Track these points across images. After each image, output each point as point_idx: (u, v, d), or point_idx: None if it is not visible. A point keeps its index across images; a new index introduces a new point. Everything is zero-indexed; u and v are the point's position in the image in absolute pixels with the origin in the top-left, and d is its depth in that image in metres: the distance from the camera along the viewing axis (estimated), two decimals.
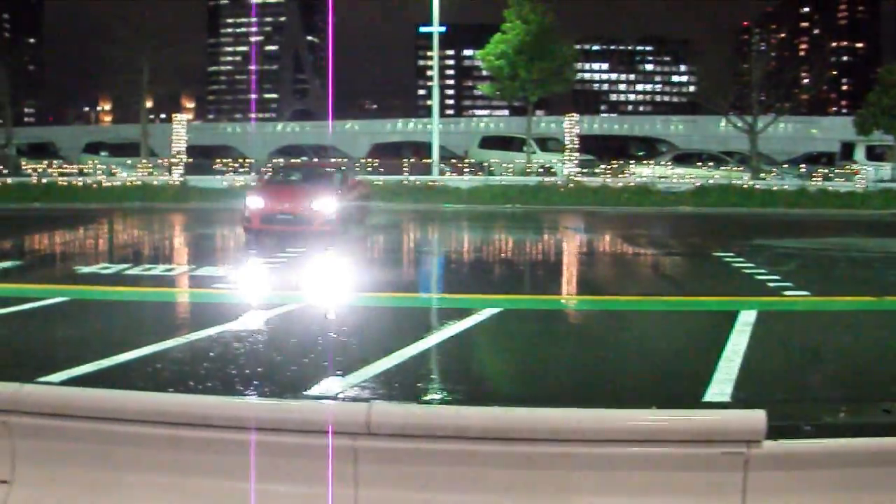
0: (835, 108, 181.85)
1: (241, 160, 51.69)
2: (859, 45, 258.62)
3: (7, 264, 22.60)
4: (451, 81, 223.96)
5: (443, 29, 50.66)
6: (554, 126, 52.94)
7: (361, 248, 25.69)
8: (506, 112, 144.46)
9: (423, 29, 66.36)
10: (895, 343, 14.16)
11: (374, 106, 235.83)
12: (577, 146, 47.67)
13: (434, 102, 51.02)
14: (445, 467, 5.96)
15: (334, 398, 9.61)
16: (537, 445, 5.87)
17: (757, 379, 11.17)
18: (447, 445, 5.91)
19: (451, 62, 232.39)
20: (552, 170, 47.37)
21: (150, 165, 52.13)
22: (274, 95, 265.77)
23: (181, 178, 48.70)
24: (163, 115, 64.70)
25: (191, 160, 50.98)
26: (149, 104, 59.71)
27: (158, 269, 21.06)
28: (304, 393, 9.99)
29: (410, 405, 7.30)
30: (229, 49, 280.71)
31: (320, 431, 6.02)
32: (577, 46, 59.10)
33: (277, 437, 6.14)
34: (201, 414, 6.37)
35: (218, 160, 51.57)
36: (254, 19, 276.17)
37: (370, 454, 6.00)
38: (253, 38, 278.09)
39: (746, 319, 14.21)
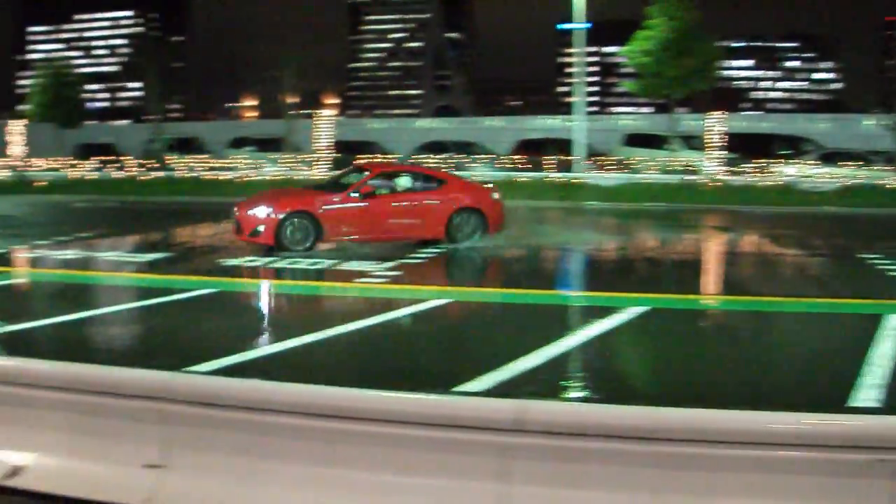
0: None
1: (385, 156, 52.03)
2: None
3: (156, 256, 23.14)
4: (593, 78, 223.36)
5: (584, 26, 50.48)
6: (697, 124, 52.40)
7: (505, 245, 25.70)
8: (648, 109, 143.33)
9: (561, 26, 66.10)
10: None
11: (518, 103, 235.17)
12: (720, 144, 47.27)
13: (578, 100, 50.91)
14: (595, 465, 5.96)
15: (486, 394, 9.58)
16: (685, 446, 5.86)
17: None
18: (597, 444, 5.92)
19: (593, 59, 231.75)
20: (695, 168, 46.96)
21: (295, 160, 52.69)
22: (416, 92, 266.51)
23: (325, 174, 49.21)
24: (306, 111, 65.22)
25: (339, 155, 51.53)
26: (292, 100, 60.37)
27: (304, 263, 21.30)
28: (453, 389, 10.04)
29: (562, 403, 7.32)
30: (371, 45, 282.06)
31: (471, 427, 6.11)
32: (721, 43, 58.56)
33: (427, 431, 6.22)
34: (350, 406, 6.49)
35: (361, 155, 51.95)
36: (396, 16, 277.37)
37: (521, 451, 6.04)
38: (395, 35, 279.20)
39: (892, 324, 13.98)
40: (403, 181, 24.89)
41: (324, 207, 23.31)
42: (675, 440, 5.87)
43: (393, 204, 23.87)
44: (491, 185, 27.15)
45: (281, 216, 22.86)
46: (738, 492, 5.84)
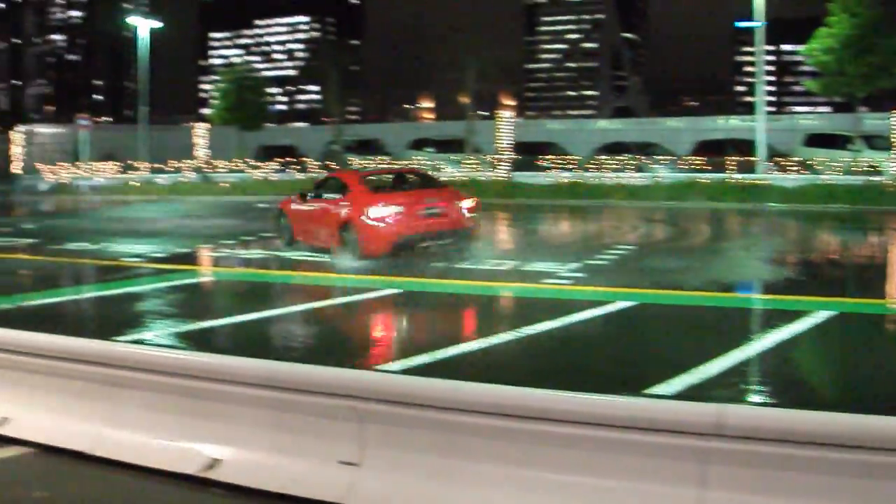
0: None
1: (564, 157, 51.90)
2: None
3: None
4: (771, 77, 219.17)
5: (760, 24, 49.77)
6: (881, 123, 51.12)
7: (689, 248, 25.54)
8: (827, 109, 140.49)
9: (739, 24, 65.17)
10: None
11: (694, 103, 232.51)
12: None
13: (758, 99, 50.26)
14: (797, 473, 5.89)
15: (682, 398, 9.49)
16: (893, 455, 5.71)
17: None
18: (800, 451, 5.84)
19: (770, 58, 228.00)
20: (879, 169, 45.94)
21: (476, 161, 52.85)
22: (592, 93, 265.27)
23: (507, 175, 49.33)
24: (483, 113, 65.29)
25: (518, 157, 51.59)
26: (470, 101, 60.59)
27: (489, 264, 21.47)
28: (644, 392, 10.08)
29: (763, 408, 7.24)
30: (547, 46, 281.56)
31: (669, 431, 6.10)
32: None
33: (624, 434, 6.22)
34: (548, 408, 6.51)
35: (542, 157, 51.88)
36: (571, 17, 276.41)
37: (720, 456, 6.00)
38: (571, 36, 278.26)
39: None
40: (329, 185, 25.20)
41: (291, 206, 25.13)
42: (884, 449, 5.71)
43: (313, 209, 24.13)
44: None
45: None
46: None
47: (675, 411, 6.35)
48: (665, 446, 6.13)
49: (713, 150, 50.23)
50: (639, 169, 48.85)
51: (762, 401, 10.11)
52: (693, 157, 49.12)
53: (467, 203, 23.09)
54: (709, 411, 6.12)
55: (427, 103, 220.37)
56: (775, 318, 14.77)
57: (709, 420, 6.03)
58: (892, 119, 47.50)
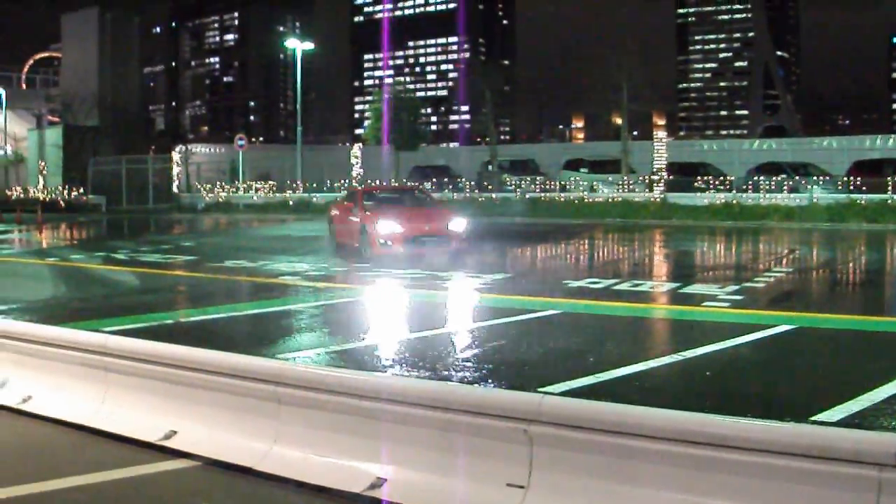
0: None
1: (720, 177, 51.51)
2: None
3: (499, 276, 23.62)
4: None
5: None
6: None
7: (849, 270, 25.13)
8: None
9: None
10: None
11: (848, 122, 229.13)
12: None
13: None
14: None
15: (851, 426, 9.18)
16: None
17: None
18: None
19: None
20: None
21: (631, 182, 52.76)
22: (743, 112, 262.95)
23: (662, 195, 49.16)
24: (635, 132, 65.22)
25: (671, 177, 51.42)
26: (622, 121, 60.54)
27: (647, 286, 21.35)
28: (810, 419, 9.86)
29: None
30: (698, 66, 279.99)
31: (847, 460, 5.92)
32: None
33: (797, 462, 6.05)
34: (713, 433, 6.38)
35: (697, 177, 51.57)
36: (722, 35, 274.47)
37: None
38: (722, 55, 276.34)
39: None
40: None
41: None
42: None
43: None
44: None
45: None
46: None
47: (852, 440, 6.11)
48: (842, 476, 5.94)
49: (870, 170, 49.33)
50: (794, 189, 48.23)
51: None
52: (850, 178, 48.31)
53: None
54: (886, 440, 5.93)
55: (578, 123, 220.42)
56: None
57: (886, 449, 5.81)
58: None
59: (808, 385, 12.15)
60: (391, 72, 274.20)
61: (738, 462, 6.26)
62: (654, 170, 52.40)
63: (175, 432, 9.00)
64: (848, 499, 5.92)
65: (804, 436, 6.25)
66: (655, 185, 51.01)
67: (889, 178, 45.53)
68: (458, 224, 27.89)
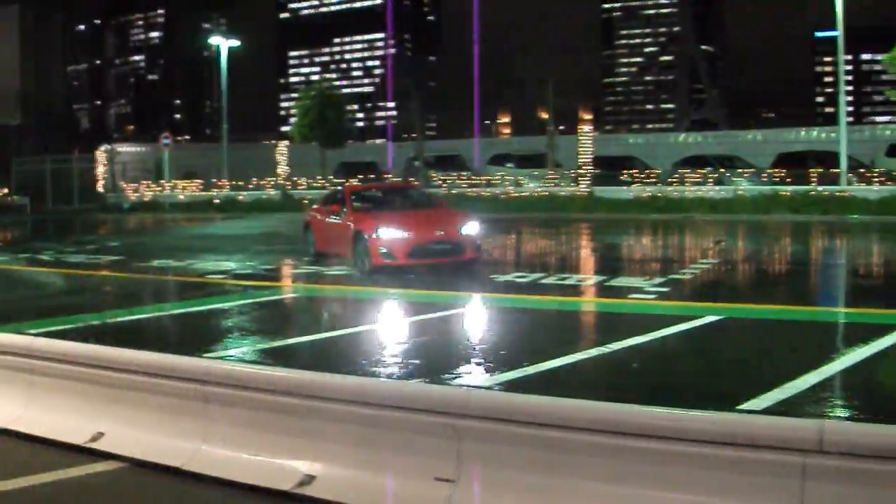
0: None
1: (645, 171, 51.94)
2: None
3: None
4: (851, 87, 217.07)
5: (839, 33, 49.32)
6: None
7: (774, 261, 25.38)
8: None
9: (820, 34, 64.82)
10: None
11: (773, 115, 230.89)
12: None
13: (839, 110, 49.84)
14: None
15: (780, 414, 9.25)
16: None
17: None
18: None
19: (849, 67, 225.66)
20: None
21: (557, 176, 52.95)
22: (670, 105, 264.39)
23: (588, 189, 49.37)
24: (562, 127, 65.45)
25: (598, 171, 51.69)
26: (549, 116, 60.76)
27: (573, 279, 21.44)
28: (736, 408, 9.95)
29: (866, 424, 7.17)
30: (625, 60, 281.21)
31: (769, 447, 6.00)
32: None
33: (722, 450, 6.12)
34: (638, 423, 6.46)
35: (622, 171, 51.93)
36: (648, 30, 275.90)
37: (821, 473, 5.89)
38: (648, 49, 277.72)
39: None
40: None
41: None
42: None
43: None
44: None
45: None
46: None
47: (776, 427, 6.23)
48: (764, 462, 6.03)
49: (794, 163, 49.91)
50: (719, 182, 48.73)
51: (859, 416, 9.97)
52: (774, 170, 48.85)
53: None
54: (811, 427, 6.01)
55: (504, 118, 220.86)
56: (866, 331, 14.54)
57: (811, 436, 5.91)
58: None
59: (734, 374, 12.25)
60: (318, 68, 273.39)
61: (665, 452, 6.33)
62: (580, 164, 52.61)
63: (102, 434, 8.92)
64: (773, 485, 6.01)
65: (729, 424, 6.32)
66: (581, 179, 51.23)
67: (812, 170, 46.07)
68: (472, 227, 23.41)
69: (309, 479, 7.61)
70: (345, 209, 24.89)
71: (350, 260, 23.66)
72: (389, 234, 22.59)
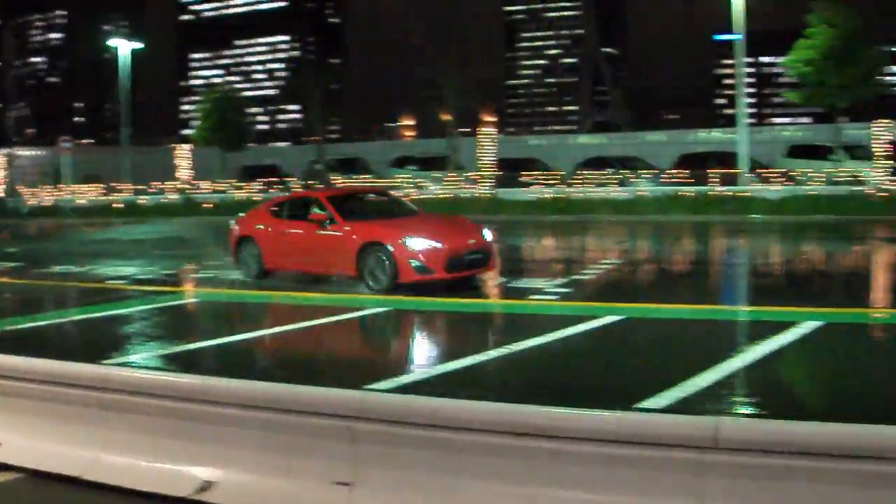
0: None
1: (546, 172, 52.24)
2: None
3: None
4: (751, 89, 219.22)
5: (740, 36, 49.93)
6: (861, 133, 51.36)
7: (674, 261, 25.60)
8: (807, 120, 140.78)
9: (718, 37, 65.57)
10: None
11: (675, 116, 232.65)
12: (887, 153, 46.44)
13: (739, 111, 50.42)
14: (794, 483, 5.90)
15: (675, 411, 9.44)
16: (891, 465, 5.73)
17: None
18: (796, 461, 5.85)
19: (751, 70, 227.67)
20: (862, 178, 46.10)
21: (459, 178, 53.05)
22: (573, 108, 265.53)
23: (491, 191, 49.50)
24: (465, 129, 65.61)
25: (500, 172, 51.87)
26: (451, 118, 60.87)
27: (475, 280, 21.44)
28: (635, 406, 10.04)
29: (760, 420, 7.23)
30: (528, 62, 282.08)
31: (667, 445, 6.12)
32: (884, 49, 57.41)
33: (622, 449, 6.23)
34: (536, 423, 6.53)
35: (524, 172, 52.19)
36: (551, 32, 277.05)
37: (717, 468, 6.01)
38: (551, 52, 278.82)
39: None
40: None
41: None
42: (882, 458, 5.73)
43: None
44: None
45: None
46: None
47: (673, 425, 6.36)
48: (663, 460, 6.13)
49: (695, 164, 50.46)
50: (622, 183, 49.15)
51: (761, 412, 10.10)
52: (675, 171, 49.41)
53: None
54: (706, 424, 6.13)
55: (409, 121, 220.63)
56: (765, 329, 14.72)
57: (707, 433, 6.03)
58: (872, 129, 47.81)
59: (634, 373, 12.37)
60: (220, 71, 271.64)
61: (562, 451, 6.40)
62: (479, 166, 52.76)
63: None
64: (671, 481, 6.11)
65: (626, 423, 6.44)
66: (483, 181, 51.37)
67: (713, 171, 46.62)
68: (489, 234, 21.33)
69: (208, 485, 7.61)
70: (331, 218, 20.88)
71: (336, 276, 20.91)
72: (421, 245, 19.45)
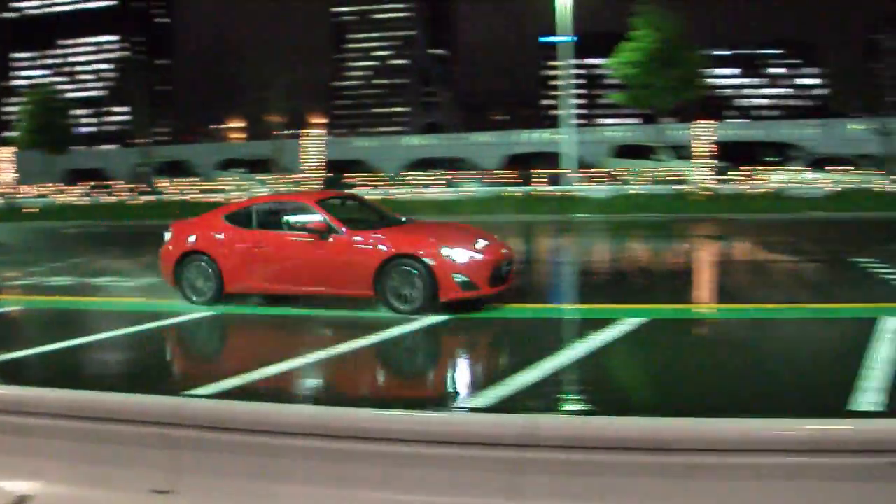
0: None
1: (373, 174, 52.49)
2: None
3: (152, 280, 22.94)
4: (580, 91, 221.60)
5: (566, 39, 50.68)
6: (685, 133, 52.73)
7: None
8: (635, 120, 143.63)
9: (544, 39, 66.30)
10: None
11: (505, 117, 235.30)
12: (709, 153, 47.56)
13: (564, 112, 51.10)
14: (607, 478, 5.99)
15: (498, 411, 9.47)
16: (694, 455, 5.90)
17: None
18: (608, 456, 5.97)
19: (579, 71, 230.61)
20: (685, 178, 47.14)
21: (285, 181, 52.98)
22: (402, 109, 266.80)
23: None
24: (294, 132, 65.58)
25: (329, 174, 52.00)
26: (279, 120, 60.74)
27: None
28: (457, 406, 9.98)
29: (572, 417, 7.27)
30: (357, 64, 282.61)
31: (483, 444, 6.17)
32: (707, 52, 58.88)
33: (438, 449, 6.27)
34: (361, 426, 6.54)
35: (349, 174, 52.40)
36: (380, 34, 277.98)
37: (532, 466, 6.06)
38: (380, 53, 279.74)
39: (889, 327, 13.98)
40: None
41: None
42: (685, 450, 5.89)
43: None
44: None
45: None
46: (747, 499, 5.88)
47: (488, 424, 6.47)
48: (479, 459, 6.17)
49: (522, 164, 51.25)
50: (449, 184, 49.55)
51: (578, 409, 10.14)
52: (502, 171, 50.11)
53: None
54: (520, 423, 6.22)
55: (237, 123, 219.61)
56: (587, 326, 14.82)
57: (521, 431, 6.11)
58: (693, 129, 48.99)
59: (456, 373, 12.33)
60: (46, 71, 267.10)
61: (381, 452, 6.42)
62: (304, 168, 52.75)
63: None
64: (486, 480, 6.15)
65: (441, 424, 6.55)
66: (310, 183, 51.37)
67: (539, 171, 47.31)
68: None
69: (23, 499, 7.37)
70: (331, 227, 17.35)
71: (343, 299, 17.44)
72: (465, 256, 16.62)
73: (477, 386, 10.81)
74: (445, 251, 16.40)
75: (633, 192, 43.98)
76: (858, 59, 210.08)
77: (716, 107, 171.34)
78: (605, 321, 14.77)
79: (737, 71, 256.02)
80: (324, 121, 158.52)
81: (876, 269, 21.15)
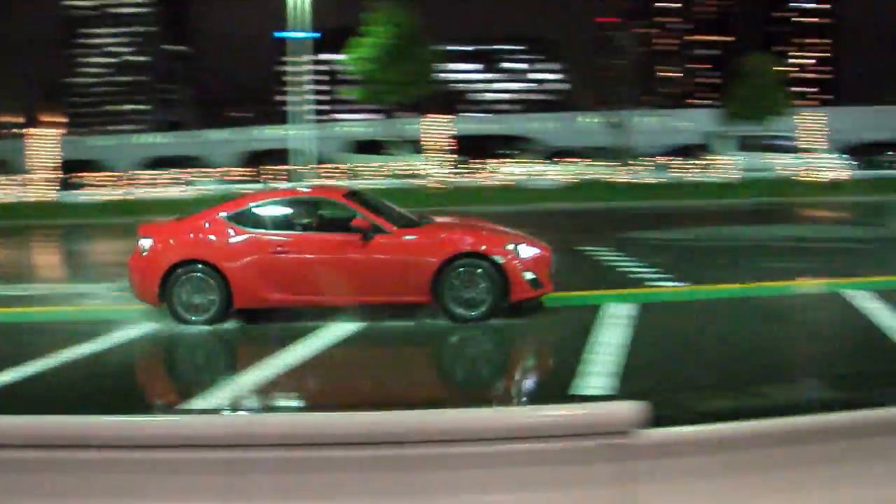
0: (709, 102, 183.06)
1: (107, 174, 51.73)
2: (729, 38, 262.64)
3: None
4: (321, 87, 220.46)
5: (304, 34, 50.68)
6: (419, 128, 53.30)
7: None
8: (376, 116, 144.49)
9: (279, 34, 66.16)
10: (768, 328, 14.37)
11: (247, 114, 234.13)
12: (445, 147, 48.13)
13: (294, 109, 51.12)
14: (333, 474, 5.88)
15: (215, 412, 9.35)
16: (418, 447, 5.82)
17: (634, 370, 11.13)
18: (332, 452, 5.85)
19: (320, 67, 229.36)
20: (421, 172, 47.70)
21: (18, 182, 51.65)
22: (143, 107, 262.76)
23: (55, 195, 48.54)
24: (32, 130, 63.97)
25: (68, 175, 51.06)
26: (15, 119, 59.14)
27: (27, 289, 20.70)
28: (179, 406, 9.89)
29: (293, 414, 7.23)
30: (93, 60, 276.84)
31: (202, 446, 5.93)
32: (447, 48, 59.57)
33: (155, 453, 5.91)
34: (70, 435, 6.09)
35: (83, 174, 51.55)
36: (117, 30, 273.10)
37: (251, 465, 5.85)
38: (118, 49, 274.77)
39: (613, 312, 14.30)
40: None
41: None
42: (408, 442, 5.81)
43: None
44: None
45: None
46: (472, 488, 5.79)
47: (207, 425, 6.22)
48: (197, 461, 5.93)
49: (260, 161, 51.31)
50: (188, 183, 49.27)
51: (298, 406, 10.16)
52: (239, 169, 50.04)
53: None
54: (239, 422, 6.16)
55: None
56: (296, 331, 14.69)
57: (239, 430, 5.98)
58: (424, 123, 49.68)
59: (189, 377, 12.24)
60: None
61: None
62: (32, 168, 51.55)
63: None
64: (201, 484, 5.92)
65: (153, 426, 6.20)
66: (40, 184, 50.10)
67: (269, 167, 47.62)
68: None
69: None
70: (375, 226, 15.17)
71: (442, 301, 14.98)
72: (530, 252, 15.42)
73: (201, 387, 10.71)
74: (516, 247, 15.20)
75: (370, 187, 44.31)
76: (592, 55, 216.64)
77: (456, 101, 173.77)
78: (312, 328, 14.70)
79: (479, 66, 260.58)
80: (62, 119, 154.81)
81: (603, 256, 21.72)
